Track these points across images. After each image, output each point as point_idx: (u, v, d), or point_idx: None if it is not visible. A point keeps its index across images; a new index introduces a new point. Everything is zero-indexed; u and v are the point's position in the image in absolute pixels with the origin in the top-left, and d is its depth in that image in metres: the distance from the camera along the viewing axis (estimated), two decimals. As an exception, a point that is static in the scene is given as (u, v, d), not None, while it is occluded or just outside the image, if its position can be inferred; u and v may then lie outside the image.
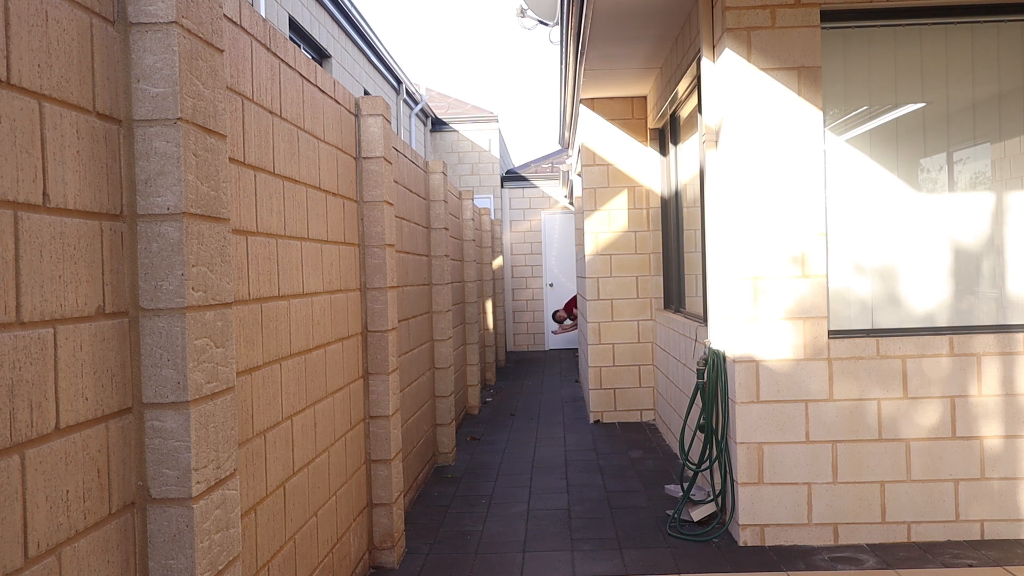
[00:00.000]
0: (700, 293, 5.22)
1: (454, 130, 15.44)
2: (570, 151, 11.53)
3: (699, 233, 5.17)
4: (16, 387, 1.35)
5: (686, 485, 4.40)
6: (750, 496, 3.98)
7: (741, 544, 3.99)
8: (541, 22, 8.15)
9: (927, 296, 4.13)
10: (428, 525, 4.52)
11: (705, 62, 4.28)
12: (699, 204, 5.03)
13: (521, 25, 8.32)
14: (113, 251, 1.65)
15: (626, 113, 7.28)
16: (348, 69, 10.82)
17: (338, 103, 3.47)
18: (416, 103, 14.30)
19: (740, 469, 3.99)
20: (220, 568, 1.85)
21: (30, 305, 1.40)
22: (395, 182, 4.69)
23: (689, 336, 5.35)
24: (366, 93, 11.83)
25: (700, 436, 5.00)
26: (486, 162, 15.22)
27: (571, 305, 13.00)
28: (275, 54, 2.71)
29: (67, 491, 1.49)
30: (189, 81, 1.75)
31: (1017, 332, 3.97)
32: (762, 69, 3.96)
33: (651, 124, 7.10)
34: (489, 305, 10.64)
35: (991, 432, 3.96)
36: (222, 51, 1.93)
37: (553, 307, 14.60)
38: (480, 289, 9.84)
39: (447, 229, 6.47)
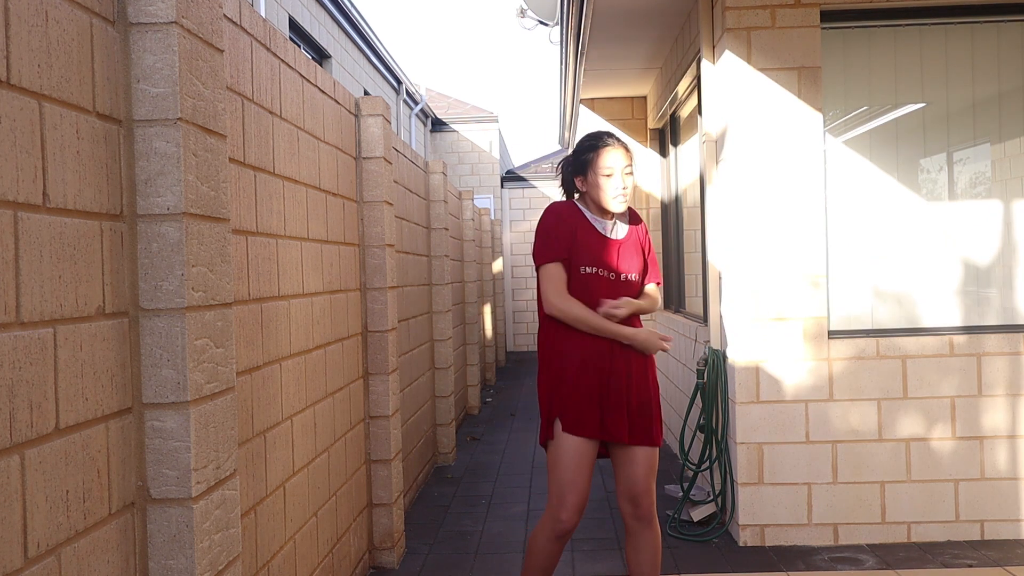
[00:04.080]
0: (700, 293, 5.22)
1: (454, 130, 15.44)
2: (570, 151, 11.52)
3: (699, 233, 5.17)
4: (16, 387, 1.35)
5: (686, 485, 4.40)
6: (750, 496, 3.98)
7: (741, 544, 3.98)
8: (541, 22, 8.14)
9: (927, 296, 4.13)
10: (428, 525, 4.52)
11: (705, 62, 4.28)
12: (699, 204, 5.03)
13: (521, 25, 8.32)
14: (113, 251, 1.65)
15: (626, 113, 7.27)
16: (348, 69, 10.82)
17: (338, 103, 3.47)
18: (416, 103, 14.30)
19: (740, 469, 3.99)
20: (220, 568, 1.85)
21: (30, 305, 1.40)
22: (395, 182, 4.69)
23: (689, 336, 5.35)
24: (366, 93, 11.83)
25: (700, 436, 5.00)
26: (486, 162, 15.22)
27: None
28: (275, 54, 2.71)
29: (67, 491, 1.49)
30: (189, 81, 1.75)
31: (1017, 332, 3.97)
32: (762, 69, 3.96)
33: (651, 124, 7.10)
34: (489, 306, 10.64)
35: (991, 432, 3.96)
36: (222, 51, 1.93)
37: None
38: (480, 289, 9.83)
39: (447, 229, 6.47)
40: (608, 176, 2.72)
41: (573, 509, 2.72)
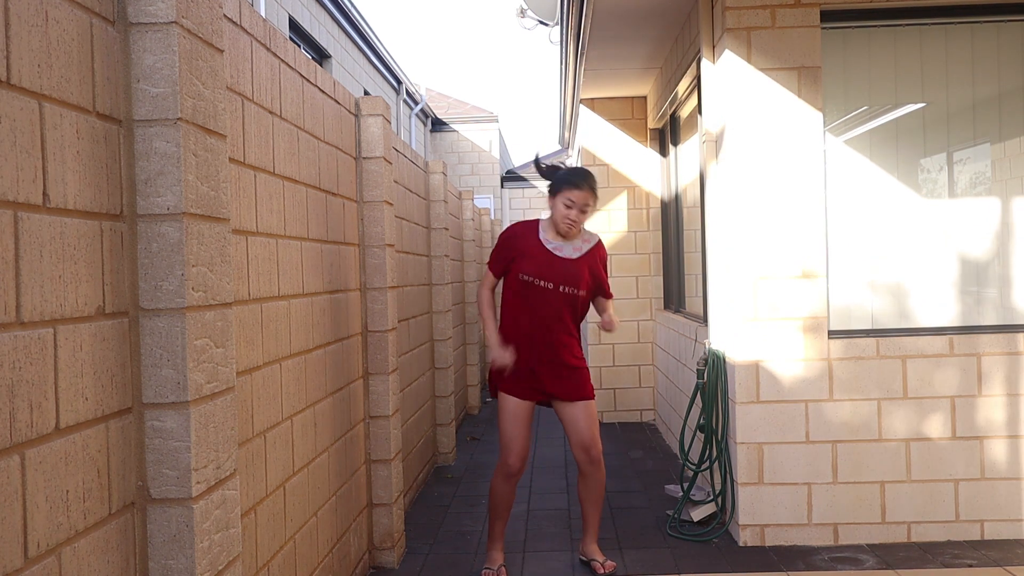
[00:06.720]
0: (700, 293, 5.22)
1: (454, 130, 15.45)
2: (570, 151, 11.52)
3: (699, 233, 5.17)
4: (16, 387, 1.35)
5: (686, 485, 4.40)
6: (750, 496, 3.98)
7: (741, 544, 3.98)
8: (541, 22, 8.15)
9: (927, 296, 4.13)
10: (428, 525, 4.52)
11: (705, 62, 4.28)
12: (699, 204, 5.03)
13: (521, 25, 8.32)
14: (113, 251, 1.65)
15: (626, 113, 7.27)
16: (348, 69, 10.83)
17: (338, 103, 3.47)
18: (416, 103, 14.30)
19: (740, 469, 3.99)
20: (220, 568, 1.85)
21: (30, 305, 1.40)
22: (395, 182, 4.69)
23: (689, 336, 5.35)
24: (366, 93, 11.83)
25: (700, 436, 5.00)
26: (486, 162, 15.23)
27: None
28: (275, 54, 2.71)
29: (67, 491, 1.49)
30: (189, 81, 1.75)
31: (1017, 332, 3.97)
32: (762, 69, 3.96)
33: (651, 124, 7.10)
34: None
35: (991, 432, 3.96)
36: (222, 51, 1.93)
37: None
38: (480, 289, 9.82)
39: (447, 229, 6.47)
40: (567, 207, 3.43)
41: (517, 456, 3.54)
